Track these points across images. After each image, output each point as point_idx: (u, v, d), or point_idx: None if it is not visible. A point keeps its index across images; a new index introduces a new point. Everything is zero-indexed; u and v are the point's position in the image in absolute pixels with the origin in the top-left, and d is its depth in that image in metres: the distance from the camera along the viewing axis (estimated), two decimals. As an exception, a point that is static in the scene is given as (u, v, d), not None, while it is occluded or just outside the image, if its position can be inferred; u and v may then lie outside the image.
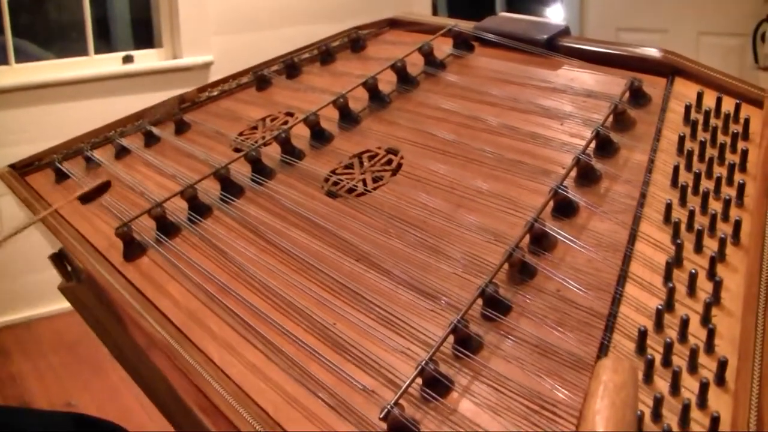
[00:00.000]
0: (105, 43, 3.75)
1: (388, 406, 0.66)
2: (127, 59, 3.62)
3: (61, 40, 3.67)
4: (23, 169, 1.34)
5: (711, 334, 0.65)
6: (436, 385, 0.69)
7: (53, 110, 3.35)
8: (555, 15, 5.16)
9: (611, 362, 0.51)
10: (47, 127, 3.24)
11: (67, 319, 3.30)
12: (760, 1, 3.69)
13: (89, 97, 3.43)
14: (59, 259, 1.15)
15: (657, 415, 0.61)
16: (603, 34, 4.24)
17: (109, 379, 3.00)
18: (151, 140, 1.31)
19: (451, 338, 0.72)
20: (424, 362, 0.69)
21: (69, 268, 1.16)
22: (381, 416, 0.66)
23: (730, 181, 0.82)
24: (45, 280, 3.30)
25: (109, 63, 3.57)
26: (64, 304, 3.32)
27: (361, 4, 3.93)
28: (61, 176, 1.28)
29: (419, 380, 0.69)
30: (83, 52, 3.52)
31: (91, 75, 3.46)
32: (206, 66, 3.70)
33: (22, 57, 3.38)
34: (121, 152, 1.30)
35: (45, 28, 3.67)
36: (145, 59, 3.66)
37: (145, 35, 3.77)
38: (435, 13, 4.49)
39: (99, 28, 3.62)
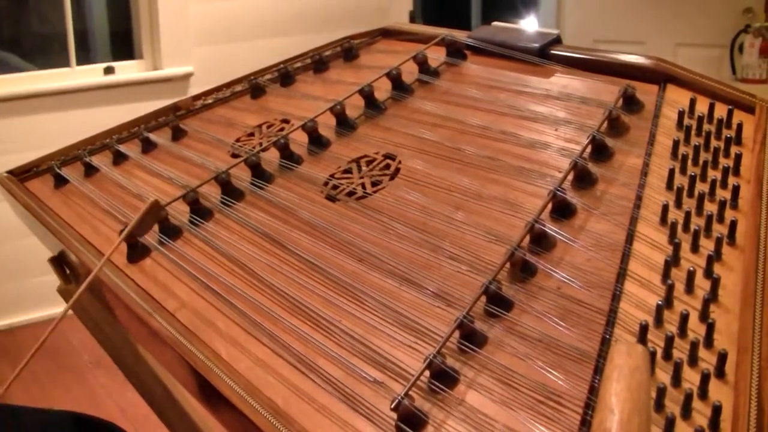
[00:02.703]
0: (86, 54, 3.75)
1: (399, 397, 0.68)
2: (109, 70, 3.63)
3: (44, 52, 3.68)
4: (21, 175, 1.35)
5: (710, 328, 0.68)
6: (444, 377, 0.71)
7: (36, 121, 3.36)
8: (530, 26, 5.20)
9: (625, 347, 0.54)
10: (31, 138, 3.25)
11: (48, 327, 3.28)
12: (738, 12, 3.75)
13: (71, 107, 3.44)
14: (59, 262, 1.17)
15: (660, 405, 0.63)
16: (580, 45, 4.28)
17: (90, 386, 3.00)
18: (148, 146, 1.33)
19: (456, 333, 0.75)
20: (432, 355, 0.71)
21: (68, 271, 1.17)
22: (392, 407, 0.68)
23: (724, 184, 0.85)
24: (28, 288, 3.34)
25: (91, 74, 3.58)
26: (46, 312, 3.34)
27: (340, 17, 3.97)
28: (60, 181, 1.30)
29: (427, 373, 0.72)
30: (65, 63, 3.53)
31: (73, 86, 3.48)
32: (186, 77, 3.72)
33: (4, 68, 3.38)
34: (119, 158, 1.32)
35: (27, 41, 3.67)
36: (126, 70, 3.68)
37: (126, 47, 3.78)
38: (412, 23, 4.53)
39: (80, 40, 3.62)
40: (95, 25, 3.99)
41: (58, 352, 3.18)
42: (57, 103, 3.42)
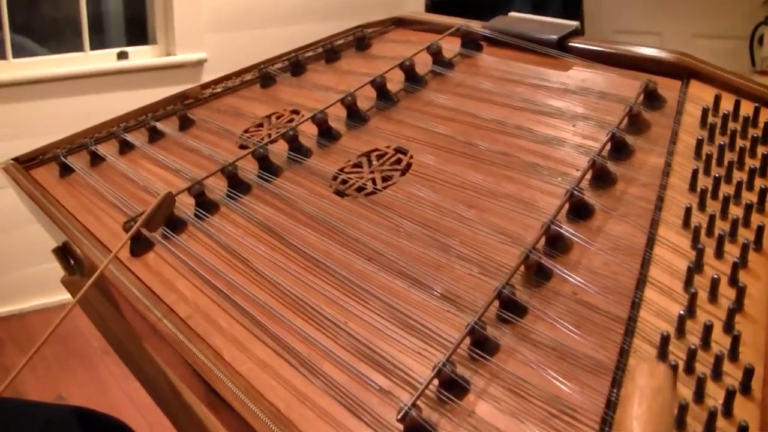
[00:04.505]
0: (100, 39, 3.72)
1: (406, 408, 0.65)
2: (122, 56, 3.60)
3: (57, 37, 3.65)
4: (27, 163, 1.32)
5: (735, 341, 0.64)
6: (453, 386, 0.68)
7: (49, 105, 3.33)
8: (548, 17, 5.14)
9: (647, 366, 0.50)
10: (43, 122, 3.23)
11: (59, 313, 3.28)
12: (758, 3, 3.69)
13: (84, 92, 3.42)
14: (62, 253, 1.14)
15: (681, 423, 0.60)
16: (597, 36, 4.23)
17: (99, 373, 2.99)
18: (155, 136, 1.30)
19: (467, 340, 0.71)
20: (441, 363, 0.68)
21: (72, 262, 1.15)
22: (398, 418, 0.65)
23: (750, 186, 0.81)
24: (39, 274, 3.33)
25: (104, 59, 3.56)
26: (55, 298, 3.34)
27: (356, 5, 3.92)
28: (66, 170, 1.27)
29: (436, 381, 0.68)
30: (78, 48, 3.50)
31: (86, 71, 3.45)
32: (200, 63, 3.69)
33: (18, 53, 3.36)
34: (125, 147, 1.29)
35: (41, 25, 3.65)
36: (140, 56, 3.65)
37: (139, 32, 3.75)
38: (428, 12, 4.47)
39: (94, 24, 3.60)
40: (109, 10, 3.95)
41: (67, 338, 3.17)
42: (70, 88, 3.40)
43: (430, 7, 4.12)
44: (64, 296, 3.14)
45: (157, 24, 3.64)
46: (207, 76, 3.55)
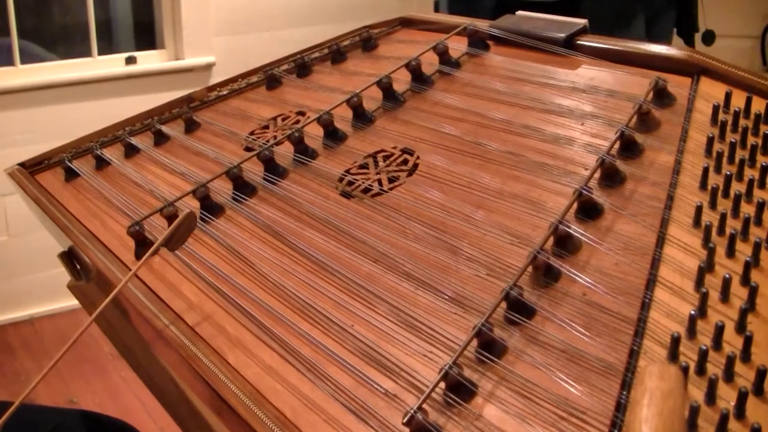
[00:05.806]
0: (108, 44, 3.73)
1: (412, 411, 0.64)
2: (130, 60, 3.60)
3: (65, 42, 3.65)
4: (33, 167, 1.32)
5: (747, 341, 0.63)
6: (460, 389, 0.67)
7: (57, 111, 3.34)
8: (555, 16, 5.11)
9: (657, 368, 0.49)
10: (51, 128, 3.23)
11: (69, 318, 3.31)
12: (769, 2, 3.67)
13: (93, 98, 3.42)
14: (69, 258, 1.13)
15: (693, 425, 0.58)
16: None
17: (110, 378, 2.99)
18: (160, 139, 1.29)
19: (474, 342, 0.70)
20: (448, 366, 0.67)
21: (78, 267, 1.14)
22: (404, 421, 0.64)
23: (762, 184, 0.79)
24: (48, 279, 3.33)
25: (112, 64, 3.56)
26: (66, 303, 3.33)
27: (363, 6, 3.91)
28: (71, 175, 1.26)
29: (442, 384, 0.67)
30: (87, 53, 3.51)
31: (94, 76, 3.45)
32: (208, 67, 3.69)
33: (26, 58, 3.37)
34: (131, 151, 1.28)
35: (49, 30, 3.65)
36: (148, 60, 3.65)
37: (147, 37, 3.75)
38: (437, 12, 4.45)
39: (102, 29, 3.60)
40: (117, 15, 3.96)
41: (79, 344, 3.15)
42: (78, 93, 3.40)
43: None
44: (74, 302, 3.14)
45: (166, 28, 3.65)
46: (216, 80, 3.53)
